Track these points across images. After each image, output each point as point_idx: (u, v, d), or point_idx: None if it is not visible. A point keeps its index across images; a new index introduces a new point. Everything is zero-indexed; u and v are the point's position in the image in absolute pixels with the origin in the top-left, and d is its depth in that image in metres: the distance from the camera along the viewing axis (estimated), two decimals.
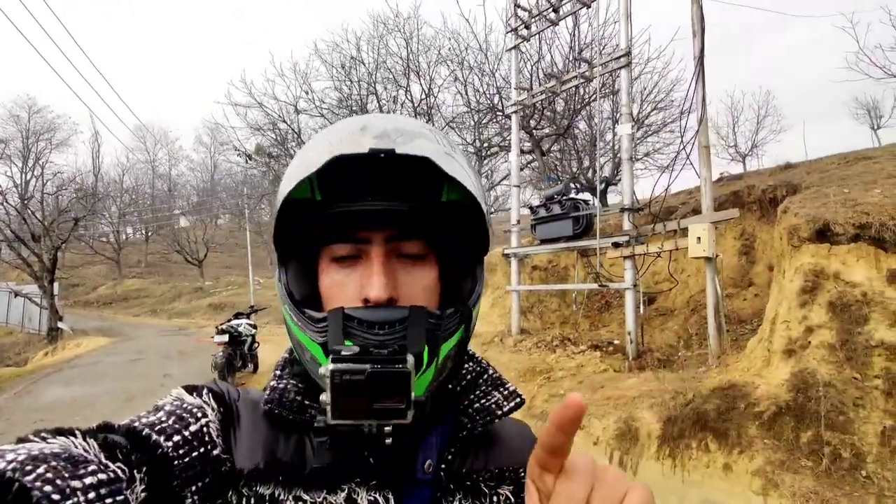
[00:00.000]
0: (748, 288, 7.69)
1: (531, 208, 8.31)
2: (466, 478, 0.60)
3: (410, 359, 0.48)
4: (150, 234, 40.35)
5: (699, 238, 5.78)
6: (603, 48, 10.99)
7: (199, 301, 26.16)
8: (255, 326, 8.38)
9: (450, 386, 0.63)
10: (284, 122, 16.77)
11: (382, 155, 0.50)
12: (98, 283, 33.76)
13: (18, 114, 33.35)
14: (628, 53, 6.90)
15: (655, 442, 4.23)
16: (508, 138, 12.89)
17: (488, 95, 13.84)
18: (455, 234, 0.60)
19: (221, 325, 7.76)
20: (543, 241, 8.05)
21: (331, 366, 0.46)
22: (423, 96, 17.24)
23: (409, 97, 17.53)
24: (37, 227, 17.36)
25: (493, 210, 20.81)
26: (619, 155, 16.16)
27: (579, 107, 11.59)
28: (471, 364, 0.68)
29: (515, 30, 8.69)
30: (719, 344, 5.71)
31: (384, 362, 0.47)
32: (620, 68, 6.97)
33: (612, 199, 16.50)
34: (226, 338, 7.26)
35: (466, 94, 15.10)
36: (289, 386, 0.59)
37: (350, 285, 0.55)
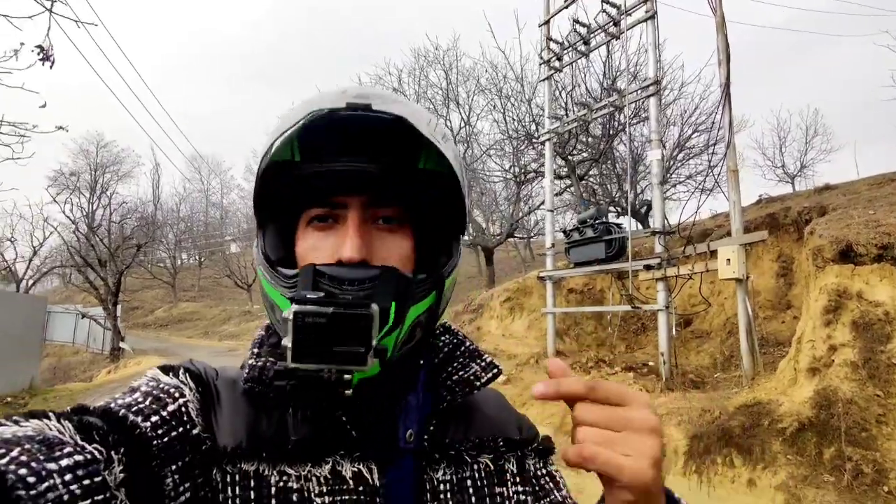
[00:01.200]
0: (786, 310, 7.63)
1: (565, 232, 8.53)
2: (449, 447, 0.61)
3: (374, 307, 0.48)
4: (202, 259, 42.38)
5: (729, 260, 5.88)
6: (635, 76, 11.22)
7: (248, 324, 27.20)
8: None
9: (421, 361, 0.64)
10: None
11: (359, 111, 0.52)
12: (155, 306, 35.58)
13: (88, 148, 35.97)
14: (657, 82, 7.14)
15: (682, 458, 4.35)
16: (541, 166, 13.23)
17: (524, 123, 14.21)
18: (432, 204, 0.60)
19: None
20: (577, 265, 8.24)
21: (295, 307, 0.47)
22: (462, 125, 17.86)
23: (449, 125, 18.18)
24: (103, 254, 18.68)
25: (532, 234, 20.97)
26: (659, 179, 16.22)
27: (614, 132, 11.78)
28: (447, 336, 0.69)
29: (548, 61, 9.07)
30: (752, 365, 5.74)
31: (347, 305, 0.48)
32: (649, 97, 7.20)
33: (653, 223, 16.49)
34: None
35: (505, 121, 15.58)
36: (267, 363, 0.58)
37: (325, 248, 0.56)
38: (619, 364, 7.65)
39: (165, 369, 0.57)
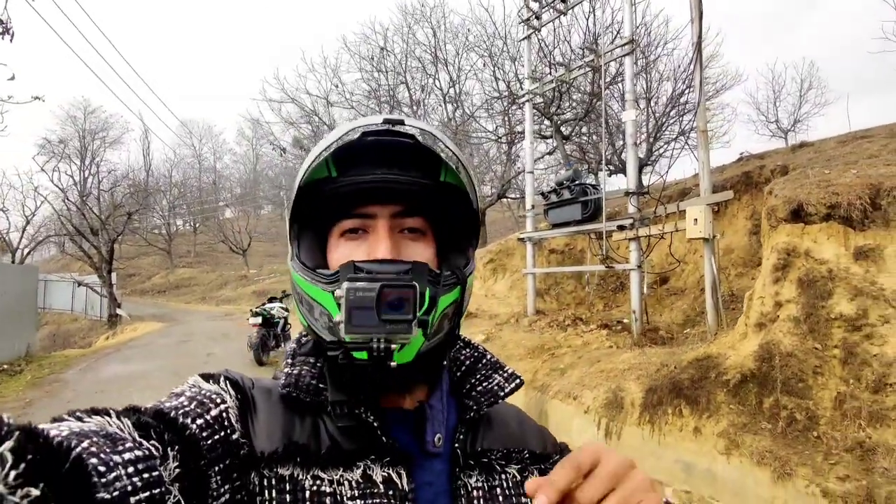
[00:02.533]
0: (757, 267, 7.79)
1: (543, 194, 8.62)
2: (482, 455, 0.64)
3: (416, 285, 0.54)
4: (197, 225, 42.40)
5: (696, 220, 6.01)
6: (618, 34, 11.05)
7: (244, 288, 27.51)
8: (287, 310, 9.08)
9: (445, 363, 0.67)
10: (317, 115, 17.50)
11: (392, 127, 0.59)
12: (152, 273, 35.84)
13: (75, 115, 35.45)
14: (632, 41, 7.08)
15: (638, 409, 4.59)
16: (534, 124, 13.15)
17: (509, 83, 14.05)
18: (450, 214, 0.65)
19: (256, 308, 8.49)
20: (555, 226, 8.37)
21: (346, 284, 0.52)
22: (451, 84, 17.64)
23: (438, 85, 17.97)
24: (95, 222, 18.74)
25: (524, 195, 20.95)
26: (651, 136, 16.26)
27: (598, 91, 11.67)
28: (468, 350, 0.73)
29: (528, 20, 8.93)
30: (717, 321, 5.95)
31: (393, 279, 0.54)
32: (625, 55, 7.16)
33: (648, 180, 16.51)
34: (259, 320, 7.96)
35: (495, 80, 15.38)
36: (303, 371, 0.62)
37: (357, 254, 0.61)
38: (594, 322, 7.89)
39: (206, 377, 0.60)
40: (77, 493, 0.35)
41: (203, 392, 0.56)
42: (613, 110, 15.63)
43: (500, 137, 14.78)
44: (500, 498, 0.63)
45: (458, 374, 0.70)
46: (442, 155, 0.59)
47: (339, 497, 0.55)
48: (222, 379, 0.59)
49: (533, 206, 8.99)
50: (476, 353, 0.72)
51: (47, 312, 22.85)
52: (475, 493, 0.61)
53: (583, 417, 5.02)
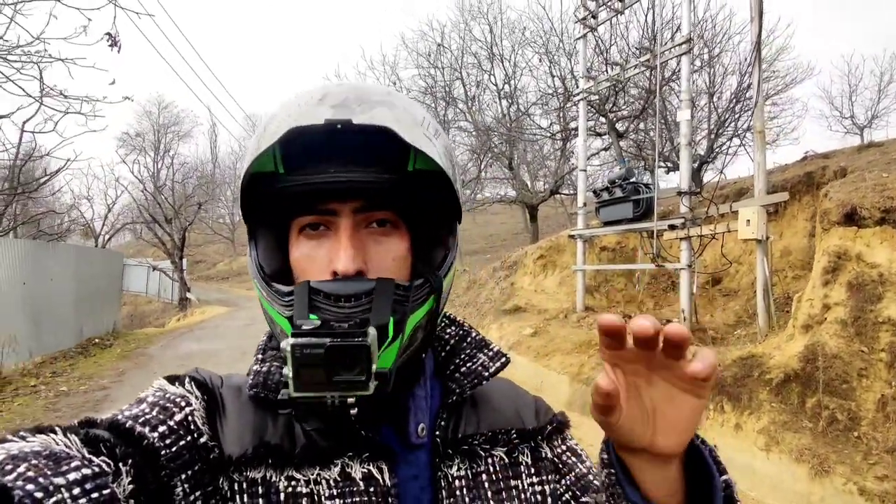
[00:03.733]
0: None
1: (595, 192, 8.73)
2: (462, 442, 0.61)
3: (372, 332, 0.48)
4: None
5: (748, 221, 6.01)
6: (677, 31, 10.91)
7: None
8: None
9: (424, 355, 0.62)
10: None
11: (339, 126, 0.50)
12: (217, 260, 37.93)
13: (150, 110, 37.85)
14: (689, 40, 7.08)
15: None
16: (589, 121, 13.18)
17: (565, 80, 14.08)
18: (425, 202, 0.59)
19: None
20: (606, 224, 8.48)
21: (291, 340, 0.47)
22: (506, 80, 17.79)
23: (493, 81, 18.17)
24: (168, 211, 20.11)
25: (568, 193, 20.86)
26: (712, 133, 15.88)
27: (656, 88, 11.57)
28: (453, 328, 0.69)
29: (584, 19, 9.02)
30: (767, 323, 5.94)
31: (344, 335, 0.47)
32: (682, 55, 7.17)
33: (708, 177, 16.12)
34: None
35: (552, 76, 15.43)
36: (272, 368, 0.59)
37: (319, 258, 0.56)
38: None
39: (171, 379, 0.57)
40: None
41: (167, 396, 0.54)
42: (673, 105, 15.34)
43: (554, 135, 14.82)
44: (486, 484, 0.60)
45: (443, 354, 0.67)
46: (410, 143, 0.52)
47: (316, 497, 0.53)
48: (188, 380, 0.57)
49: (585, 204, 9.10)
50: (461, 332, 0.69)
51: (125, 294, 24.70)
52: (457, 482, 0.59)
53: None
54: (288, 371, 0.47)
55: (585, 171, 9.33)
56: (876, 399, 3.72)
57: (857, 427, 3.68)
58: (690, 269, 6.97)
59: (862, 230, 4.31)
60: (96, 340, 10.61)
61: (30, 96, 5.79)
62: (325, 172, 0.53)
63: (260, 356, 0.62)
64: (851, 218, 4.38)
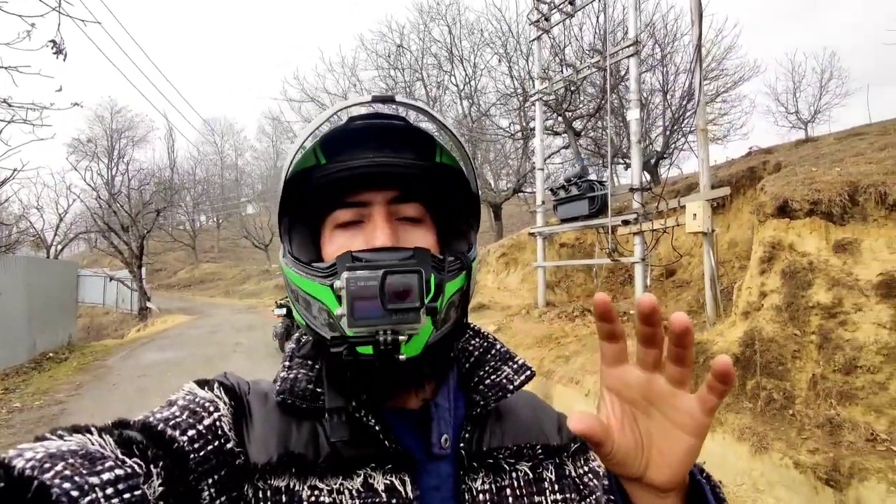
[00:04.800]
0: None
1: (552, 190, 8.96)
2: (487, 456, 0.60)
3: (422, 270, 0.50)
4: (220, 221, 43.49)
5: (695, 215, 6.31)
6: (625, 35, 11.28)
7: (267, 282, 28.28)
8: None
9: (452, 353, 0.64)
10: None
11: (383, 102, 0.56)
12: (178, 268, 36.97)
13: (102, 114, 36.63)
14: (636, 42, 7.37)
15: None
16: (546, 120, 13.45)
17: (522, 80, 14.35)
18: (448, 197, 0.63)
19: (281, 300, 9.02)
20: (564, 221, 8.72)
21: (346, 274, 0.49)
22: (467, 80, 17.98)
23: (454, 82, 18.33)
24: (125, 219, 19.53)
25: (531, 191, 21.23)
26: (667, 130, 16.44)
27: (611, 87, 11.93)
28: (477, 340, 0.70)
29: (537, 22, 9.25)
30: (715, 311, 6.25)
31: (395, 265, 0.50)
32: (629, 56, 7.45)
33: (667, 173, 16.66)
34: (284, 311, 8.49)
35: (511, 76, 15.68)
36: (299, 375, 0.60)
37: (355, 244, 0.58)
38: None
39: (201, 383, 0.58)
40: None
41: (197, 400, 0.55)
42: (630, 105, 15.80)
43: (514, 135, 15.08)
44: (510, 499, 0.59)
45: (467, 365, 0.67)
46: (435, 135, 0.59)
47: None
48: (217, 385, 0.58)
49: (543, 202, 9.33)
50: (486, 343, 0.69)
51: (81, 306, 23.86)
52: (481, 496, 0.58)
53: (584, 400, 5.40)
54: (342, 309, 0.49)
55: (543, 169, 9.55)
56: (808, 379, 4.00)
57: (791, 405, 3.95)
58: (644, 262, 7.26)
59: (794, 221, 4.61)
60: (51, 354, 10.26)
61: None
62: (364, 157, 0.57)
63: (287, 363, 0.63)
64: (784, 210, 4.68)
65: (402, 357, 0.51)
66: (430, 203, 0.62)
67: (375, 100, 0.57)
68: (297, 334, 0.68)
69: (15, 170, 7.82)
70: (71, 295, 13.01)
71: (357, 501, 0.53)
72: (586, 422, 0.43)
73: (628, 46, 7.40)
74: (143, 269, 20.00)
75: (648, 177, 16.23)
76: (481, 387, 0.64)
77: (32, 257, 15.57)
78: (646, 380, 0.44)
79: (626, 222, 7.41)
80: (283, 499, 0.52)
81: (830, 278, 4.19)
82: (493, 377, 0.65)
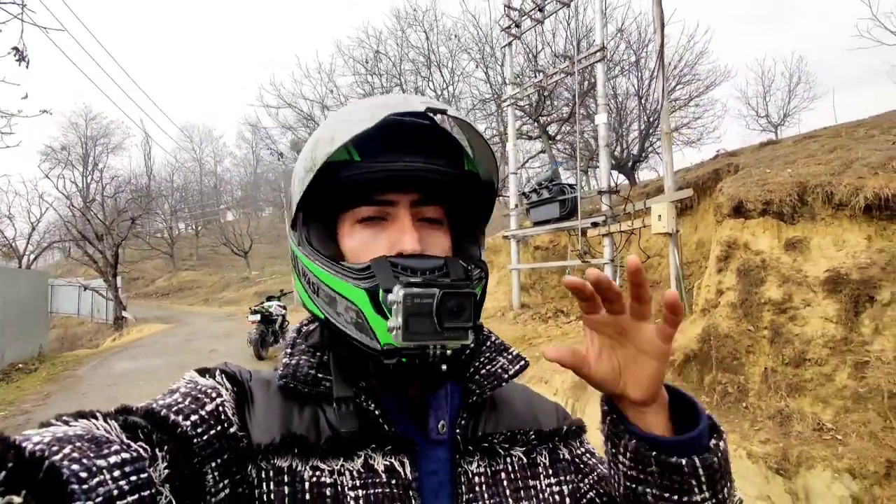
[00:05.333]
0: None
1: (524, 194, 9.10)
2: (482, 440, 0.63)
3: (475, 292, 0.52)
4: (199, 228, 42.99)
5: (660, 216, 6.48)
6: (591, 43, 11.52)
7: (247, 289, 27.99)
8: (284, 307, 9.59)
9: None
10: (313, 119, 18.03)
11: (437, 115, 0.58)
12: (155, 276, 36.41)
13: (76, 121, 36.01)
14: (603, 48, 7.55)
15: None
16: (523, 125, 13.65)
17: (498, 86, 14.52)
18: (468, 204, 0.65)
19: (255, 307, 9.00)
20: (536, 224, 8.86)
21: (403, 290, 0.50)
22: (445, 85, 18.12)
23: (432, 87, 18.45)
24: (99, 227, 19.22)
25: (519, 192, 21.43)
26: (643, 133, 16.78)
27: (583, 93, 12.16)
28: None
29: (508, 28, 9.41)
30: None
31: (451, 286, 0.52)
32: (596, 62, 7.63)
33: (643, 175, 16.97)
34: (258, 317, 8.47)
35: (489, 81, 15.83)
36: (301, 361, 0.62)
37: (378, 243, 0.59)
38: (574, 313, 8.37)
39: (202, 371, 0.60)
40: (55, 501, 0.35)
41: (199, 387, 0.57)
42: (598, 110, 16.09)
43: (500, 135, 15.27)
44: (505, 482, 0.62)
45: (463, 356, 0.66)
46: (464, 144, 0.61)
47: (339, 487, 0.55)
48: (218, 373, 0.60)
49: (517, 205, 9.47)
50: (481, 335, 0.71)
51: (55, 316, 23.37)
52: (476, 479, 0.61)
53: (552, 399, 5.49)
54: (395, 322, 0.50)
55: (516, 174, 9.71)
56: (760, 372, 4.15)
57: (745, 398, 4.10)
58: (613, 263, 7.42)
59: (748, 221, 4.78)
60: (20, 365, 10.06)
61: None
62: (400, 161, 0.58)
63: (289, 350, 0.65)
64: (739, 210, 4.85)
65: (444, 367, 0.54)
66: (451, 206, 0.64)
67: (429, 110, 0.57)
68: (298, 324, 0.70)
69: None
70: (42, 305, 12.77)
71: (357, 482, 0.55)
72: (558, 351, 0.53)
73: (595, 52, 7.58)
74: (119, 278, 19.68)
75: (626, 179, 16.57)
76: (477, 376, 0.66)
77: (2, 267, 15.26)
78: (614, 319, 0.52)
79: (595, 224, 7.57)
80: (286, 478, 0.54)
81: (781, 275, 4.36)
82: (488, 367, 0.67)
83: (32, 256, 24.94)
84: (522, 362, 0.69)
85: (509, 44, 9.56)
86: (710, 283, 4.87)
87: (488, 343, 0.71)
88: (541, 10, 8.72)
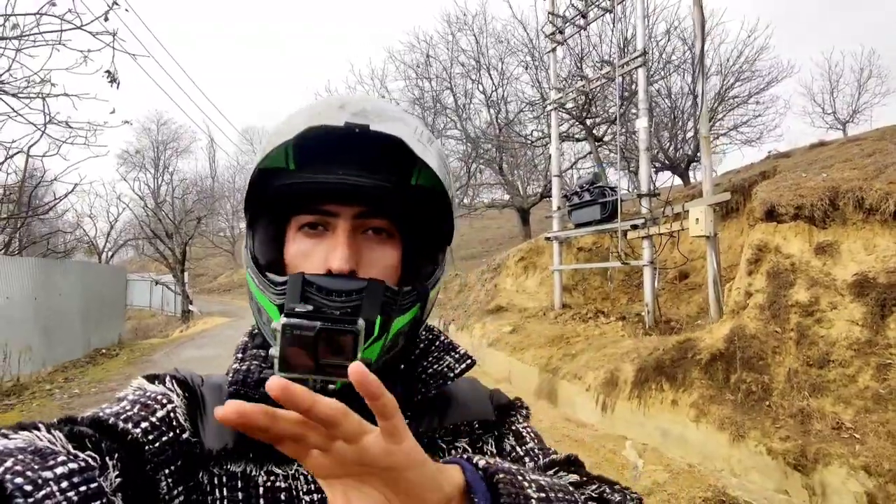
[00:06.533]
0: None
1: (567, 196, 9.30)
2: (421, 437, 0.61)
3: (361, 322, 0.50)
4: None
5: (698, 219, 6.56)
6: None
7: None
8: None
9: (402, 364, 0.66)
10: None
11: (357, 130, 0.53)
12: (218, 273, 38.54)
13: (149, 126, 38.64)
14: (644, 53, 7.66)
15: (629, 386, 5.27)
16: (571, 127, 13.79)
17: (543, 89, 14.69)
18: (421, 218, 0.63)
19: None
20: (577, 226, 9.05)
21: (283, 320, 0.48)
22: (494, 88, 18.41)
23: (481, 89, 18.79)
24: (169, 226, 20.74)
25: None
26: (698, 133, 16.55)
27: (628, 94, 12.17)
28: (423, 333, 0.71)
29: (552, 34, 9.63)
30: (718, 312, 6.48)
31: (335, 321, 0.49)
32: (637, 67, 7.75)
33: (698, 175, 16.71)
34: None
35: (538, 84, 16.00)
36: (251, 366, 0.61)
37: (315, 255, 0.58)
38: (614, 314, 8.51)
39: (151, 378, 0.59)
40: None
41: (147, 394, 0.56)
42: (660, 107, 15.96)
43: (534, 142, 15.43)
44: None
45: (412, 356, 0.69)
46: (419, 156, 0.55)
47: (294, 492, 0.54)
48: (168, 379, 0.59)
49: (559, 208, 9.67)
50: (431, 336, 0.72)
51: (129, 308, 25.31)
52: None
53: (584, 395, 5.73)
54: (275, 351, 0.48)
55: (560, 176, 9.90)
56: (785, 372, 4.26)
57: (768, 397, 4.22)
58: (652, 265, 7.52)
59: (780, 225, 4.86)
60: (103, 351, 11.21)
61: (33, 125, 6.32)
62: (334, 174, 0.56)
63: (240, 355, 0.63)
64: (771, 214, 4.94)
65: (332, 388, 0.50)
66: (400, 220, 0.62)
67: (349, 126, 0.54)
68: (250, 328, 0.69)
69: (75, 185, 8.72)
70: (120, 297, 14.06)
71: (312, 485, 0.55)
72: None
73: (637, 57, 7.70)
74: (186, 274, 21.13)
75: (679, 179, 16.33)
76: (424, 376, 0.66)
77: (87, 262, 16.83)
78: (352, 449, 0.38)
79: (634, 227, 7.69)
80: (240, 483, 0.53)
81: (810, 278, 4.44)
82: (435, 366, 0.67)
83: (110, 253, 27.07)
84: (469, 361, 0.69)
85: (553, 49, 9.77)
86: (739, 285, 4.99)
87: (437, 343, 0.71)
88: (584, 16, 8.89)
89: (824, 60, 27.36)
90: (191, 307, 20.23)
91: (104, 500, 0.40)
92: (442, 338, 0.72)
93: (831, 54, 29.99)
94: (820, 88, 23.32)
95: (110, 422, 0.50)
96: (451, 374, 0.67)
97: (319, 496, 0.54)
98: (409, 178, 0.60)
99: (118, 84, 5.54)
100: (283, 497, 0.54)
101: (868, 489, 3.42)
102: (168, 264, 20.35)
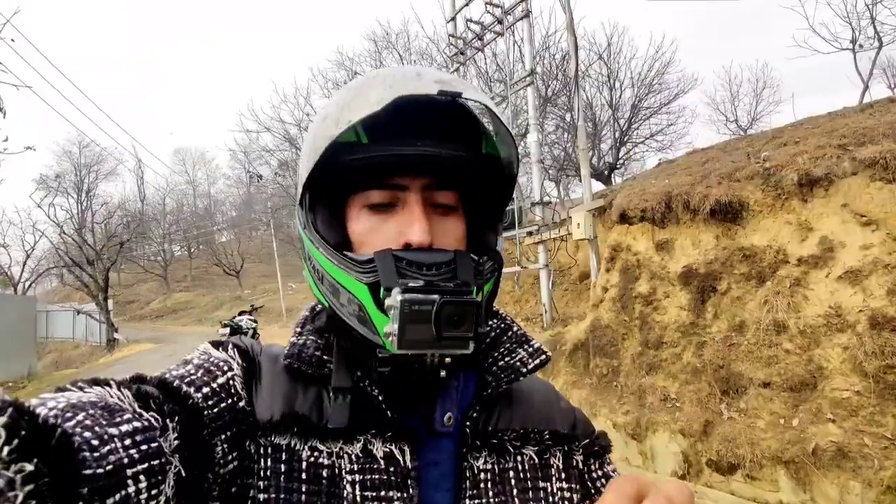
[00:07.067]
0: None
1: None
2: (492, 436, 0.60)
3: (480, 301, 0.50)
4: (192, 250, 43.73)
5: (579, 224, 7.18)
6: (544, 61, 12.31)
7: (239, 308, 28.64)
8: (255, 321, 10.27)
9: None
10: (292, 143, 18.86)
11: (449, 98, 0.52)
12: (150, 298, 37.04)
13: (70, 149, 36.91)
14: (532, 73, 8.32)
15: None
16: None
17: None
18: (485, 189, 0.62)
19: (225, 321, 9.69)
20: None
21: (400, 296, 0.47)
22: None
23: None
24: (91, 253, 19.98)
25: None
26: (617, 142, 17.73)
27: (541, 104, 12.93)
28: (494, 321, 0.68)
29: (454, 56, 10.21)
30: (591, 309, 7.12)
31: (452, 293, 0.49)
32: (527, 86, 8.40)
33: (617, 181, 17.76)
34: (227, 331, 9.16)
35: None
36: (308, 342, 0.61)
37: (386, 231, 0.57)
38: (521, 316, 9.06)
39: (216, 344, 0.61)
40: (66, 468, 0.34)
41: (211, 359, 0.57)
42: (529, 129, 16.95)
43: None
44: (513, 481, 0.59)
45: (483, 345, 0.64)
46: (486, 124, 0.57)
47: (336, 470, 0.54)
48: (231, 346, 0.60)
49: None
50: (503, 325, 0.69)
51: (50, 341, 24.02)
52: (482, 475, 0.58)
53: None
54: (392, 328, 0.48)
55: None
56: (630, 356, 4.83)
57: (616, 378, 4.78)
58: (547, 268, 8.11)
59: (630, 227, 5.48)
60: (10, 384, 10.77)
61: None
62: (412, 146, 0.54)
63: (298, 329, 0.63)
64: (624, 217, 5.56)
65: (448, 361, 0.51)
66: (466, 192, 0.61)
67: (442, 94, 0.51)
68: (311, 303, 0.68)
69: None
70: (29, 328, 13.48)
71: (355, 466, 0.54)
72: None
73: (525, 77, 8.35)
74: (111, 301, 20.36)
75: (603, 186, 17.31)
76: (494, 368, 0.64)
77: None
78: None
79: (529, 233, 8.29)
80: (284, 456, 0.54)
81: (651, 272, 5.06)
82: (507, 359, 0.64)
83: (28, 283, 25.65)
84: (543, 356, 0.66)
85: (456, 69, 10.35)
86: (600, 281, 5.57)
87: (509, 333, 0.67)
88: (480, 38, 9.51)
89: (725, 73, 29.67)
90: (116, 335, 19.51)
91: (163, 460, 0.42)
92: (515, 328, 0.69)
93: (731, 67, 32.64)
94: (722, 98, 25.25)
95: (175, 384, 0.51)
96: (524, 370, 0.64)
97: (361, 477, 0.54)
98: (479, 147, 0.60)
99: (4, 113, 5.58)
100: (324, 473, 0.54)
101: (683, 449, 3.99)
102: (90, 292, 19.57)
